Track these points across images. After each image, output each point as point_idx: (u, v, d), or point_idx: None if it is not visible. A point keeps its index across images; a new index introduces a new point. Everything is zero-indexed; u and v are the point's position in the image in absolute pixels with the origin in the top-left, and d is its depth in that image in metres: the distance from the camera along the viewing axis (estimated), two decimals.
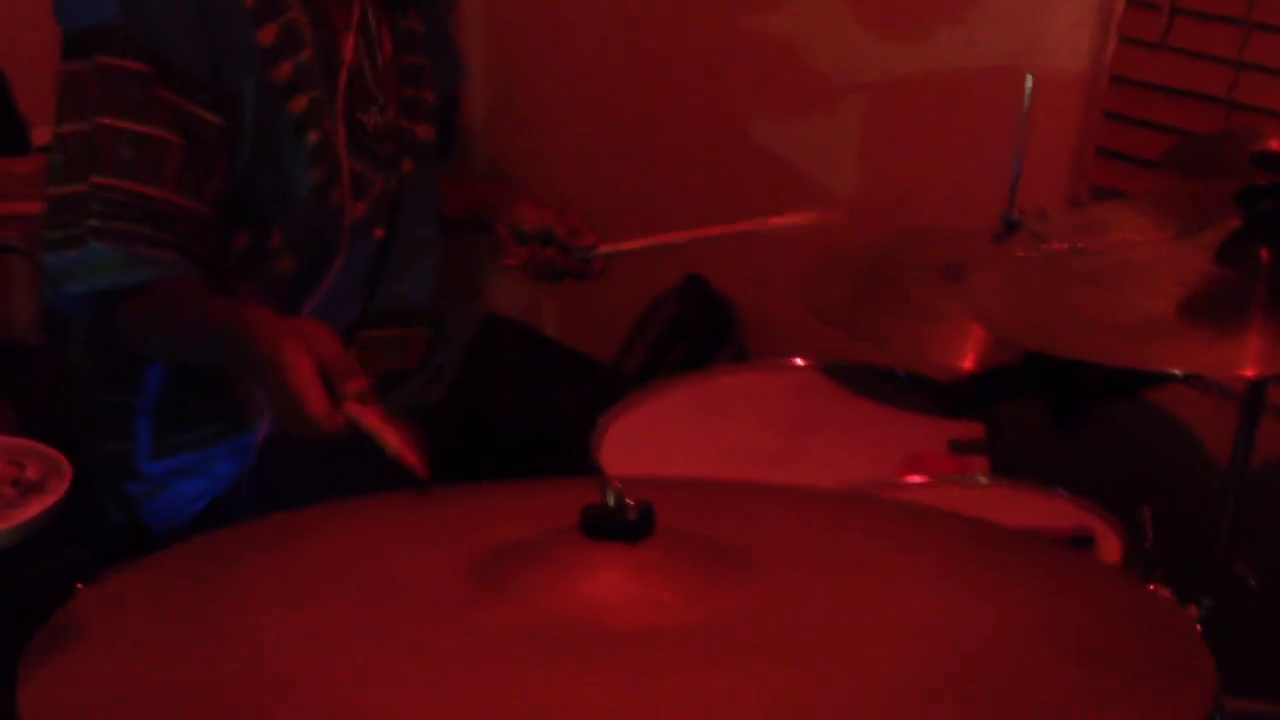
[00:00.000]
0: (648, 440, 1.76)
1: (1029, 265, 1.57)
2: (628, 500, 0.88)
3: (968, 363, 1.72)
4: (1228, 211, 1.49)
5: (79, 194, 1.65)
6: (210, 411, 1.80)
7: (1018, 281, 1.56)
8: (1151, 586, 1.26)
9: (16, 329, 2.13)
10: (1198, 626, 1.30)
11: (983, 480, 1.48)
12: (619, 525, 0.88)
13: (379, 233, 1.87)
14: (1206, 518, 1.59)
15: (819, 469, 1.66)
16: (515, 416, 1.99)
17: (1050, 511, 1.39)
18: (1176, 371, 1.44)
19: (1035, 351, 1.63)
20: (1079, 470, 1.63)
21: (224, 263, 1.75)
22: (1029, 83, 1.79)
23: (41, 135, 2.26)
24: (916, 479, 1.51)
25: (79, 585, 1.56)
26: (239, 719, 0.77)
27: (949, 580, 0.91)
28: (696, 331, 2.71)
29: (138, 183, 1.64)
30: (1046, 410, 1.65)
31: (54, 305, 1.73)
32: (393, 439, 1.32)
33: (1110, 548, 1.32)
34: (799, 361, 1.92)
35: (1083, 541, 1.31)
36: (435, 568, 0.91)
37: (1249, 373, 1.38)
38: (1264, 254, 1.45)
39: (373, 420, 1.37)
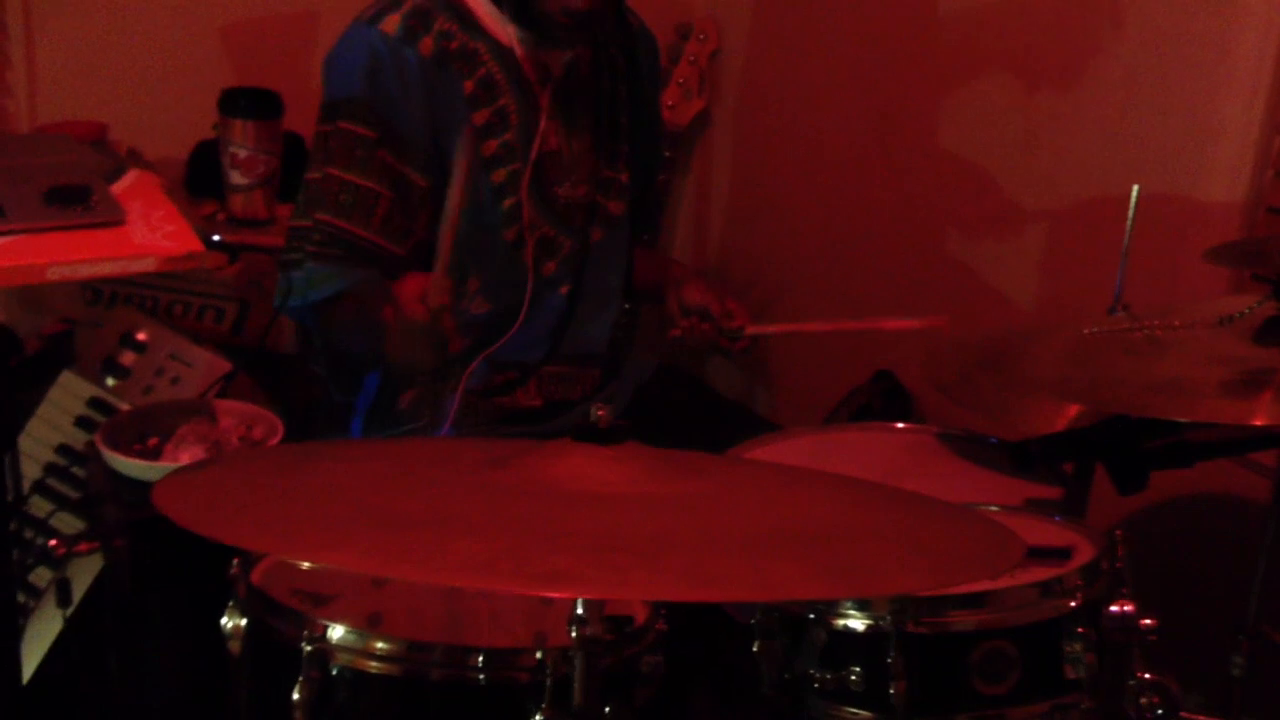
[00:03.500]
0: None
1: (1087, 342, 1.79)
2: (603, 414, 1.18)
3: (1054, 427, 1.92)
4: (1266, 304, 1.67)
5: (305, 228, 2.06)
6: (410, 413, 2.17)
7: (1073, 355, 1.78)
8: (1118, 604, 1.45)
9: (283, 343, 2.57)
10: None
11: (994, 509, 1.68)
12: (595, 431, 1.18)
13: (564, 289, 2.22)
14: (1241, 580, 1.74)
15: None
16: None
17: (1047, 532, 1.60)
18: (1182, 420, 1.61)
19: (1102, 421, 1.84)
20: (1131, 525, 1.80)
21: None
22: (1134, 194, 1.99)
23: None
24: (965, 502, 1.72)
25: None
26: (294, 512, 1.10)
27: (845, 509, 1.16)
28: (879, 417, 2.95)
29: (350, 223, 2.04)
30: (1109, 473, 1.84)
31: (285, 314, 2.14)
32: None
33: (1083, 556, 1.52)
34: (925, 426, 2.15)
35: (1063, 552, 1.52)
36: (466, 458, 1.22)
37: (1258, 421, 1.54)
38: None
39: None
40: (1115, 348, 1.76)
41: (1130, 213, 1.99)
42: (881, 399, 2.98)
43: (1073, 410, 1.93)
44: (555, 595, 1.21)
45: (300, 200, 2.11)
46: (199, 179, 2.62)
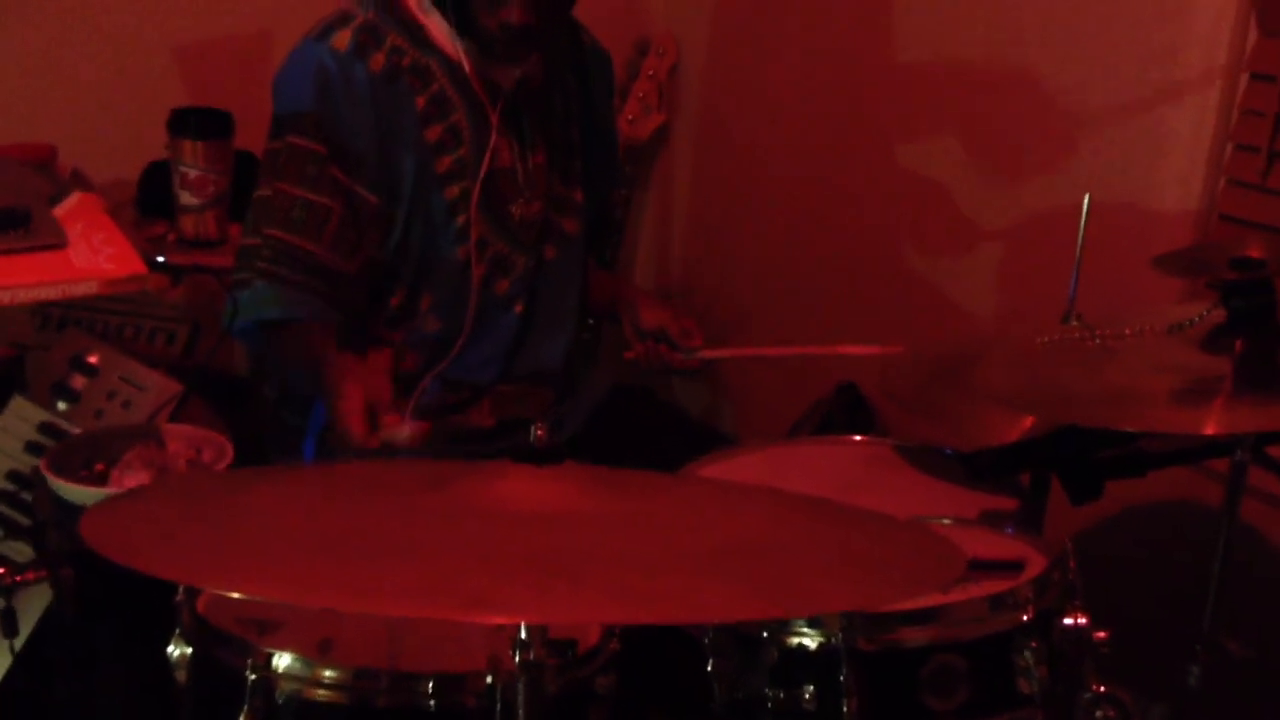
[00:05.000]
0: None
1: (1039, 352, 1.78)
2: (541, 434, 1.16)
3: (1009, 438, 1.92)
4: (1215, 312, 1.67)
5: (254, 245, 2.04)
6: None
7: (1030, 364, 1.77)
8: (1070, 615, 1.44)
9: (235, 365, 2.54)
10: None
11: (946, 521, 1.67)
12: (533, 451, 1.16)
13: (518, 308, 2.20)
14: (1195, 591, 1.73)
15: None
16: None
17: (999, 544, 1.59)
18: (1133, 430, 1.61)
19: (1054, 431, 1.84)
20: (1086, 536, 1.80)
21: (378, 314, 2.11)
22: (1086, 203, 1.99)
23: None
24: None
25: None
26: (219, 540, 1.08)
27: (786, 526, 1.15)
28: (841, 430, 2.94)
29: (301, 237, 2.02)
30: (1062, 482, 1.83)
31: (233, 335, 2.12)
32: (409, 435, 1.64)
33: (1035, 568, 1.51)
34: (880, 439, 2.15)
35: (1015, 565, 1.50)
36: (400, 481, 1.21)
37: (1209, 430, 1.54)
38: (1238, 344, 1.62)
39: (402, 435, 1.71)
40: (1067, 357, 1.76)
41: (1082, 222, 1.99)
42: (844, 412, 2.97)
43: (1027, 421, 1.93)
44: (486, 621, 1.19)
45: (249, 218, 2.09)
46: (150, 200, 2.60)
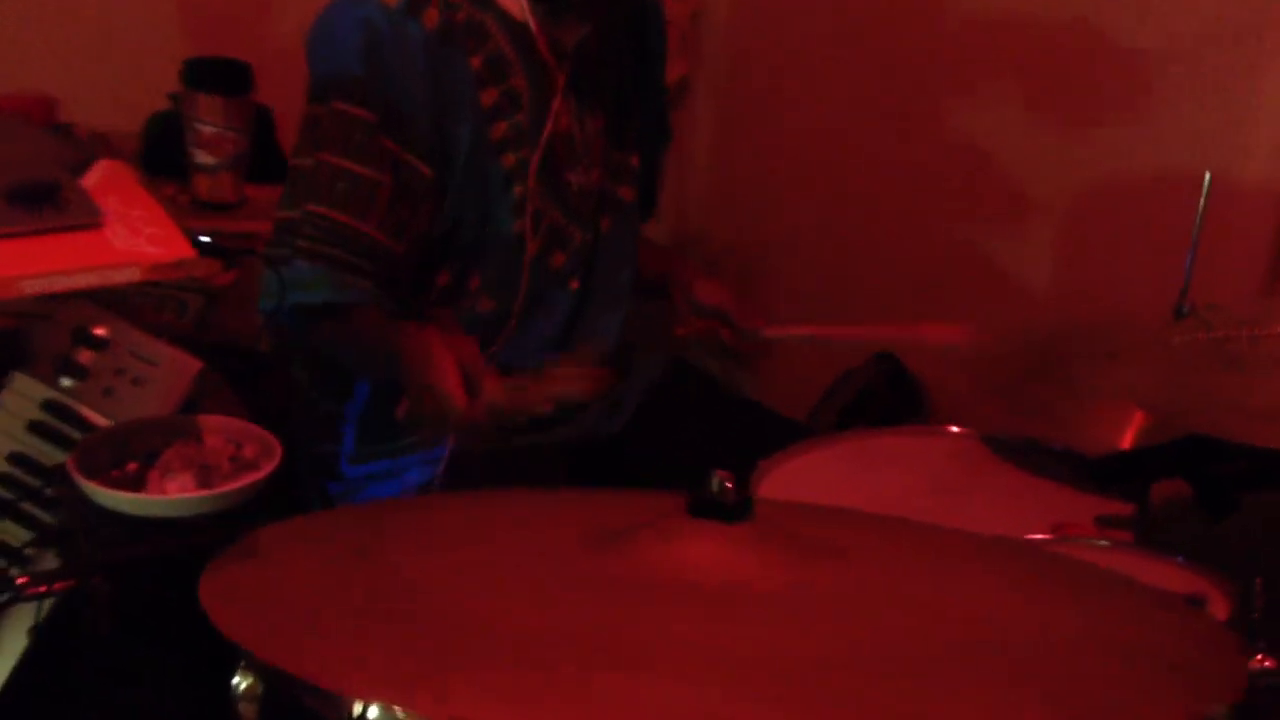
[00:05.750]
0: (802, 485, 1.85)
1: (1189, 351, 1.63)
2: (729, 486, 1.00)
3: (1124, 442, 1.78)
4: None
5: (293, 219, 1.85)
6: (409, 423, 1.97)
7: (1178, 366, 1.62)
8: (1258, 656, 1.30)
9: (255, 340, 2.35)
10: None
11: (1103, 544, 1.53)
12: (718, 506, 0.99)
13: (574, 284, 2.03)
14: None
15: (964, 526, 1.73)
16: (685, 454, 2.11)
17: (1167, 576, 1.44)
18: None
19: (1187, 436, 1.69)
20: (1223, 554, 1.66)
21: (424, 296, 1.93)
22: (1207, 180, 1.84)
23: None
24: (1041, 536, 1.57)
25: None
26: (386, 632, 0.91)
27: (1007, 591, 0.99)
28: (886, 404, 2.80)
29: (346, 214, 1.82)
30: (1196, 494, 1.70)
31: (266, 316, 1.93)
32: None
33: (1219, 610, 1.36)
34: (954, 429, 2.00)
35: (1195, 601, 1.36)
36: (557, 534, 1.04)
37: None
38: None
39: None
40: (1208, 359, 1.61)
41: (1202, 202, 1.84)
42: (885, 385, 2.82)
43: (1135, 422, 1.79)
44: None
45: (288, 190, 1.89)
46: (157, 157, 2.39)
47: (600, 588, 0.94)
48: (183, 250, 1.55)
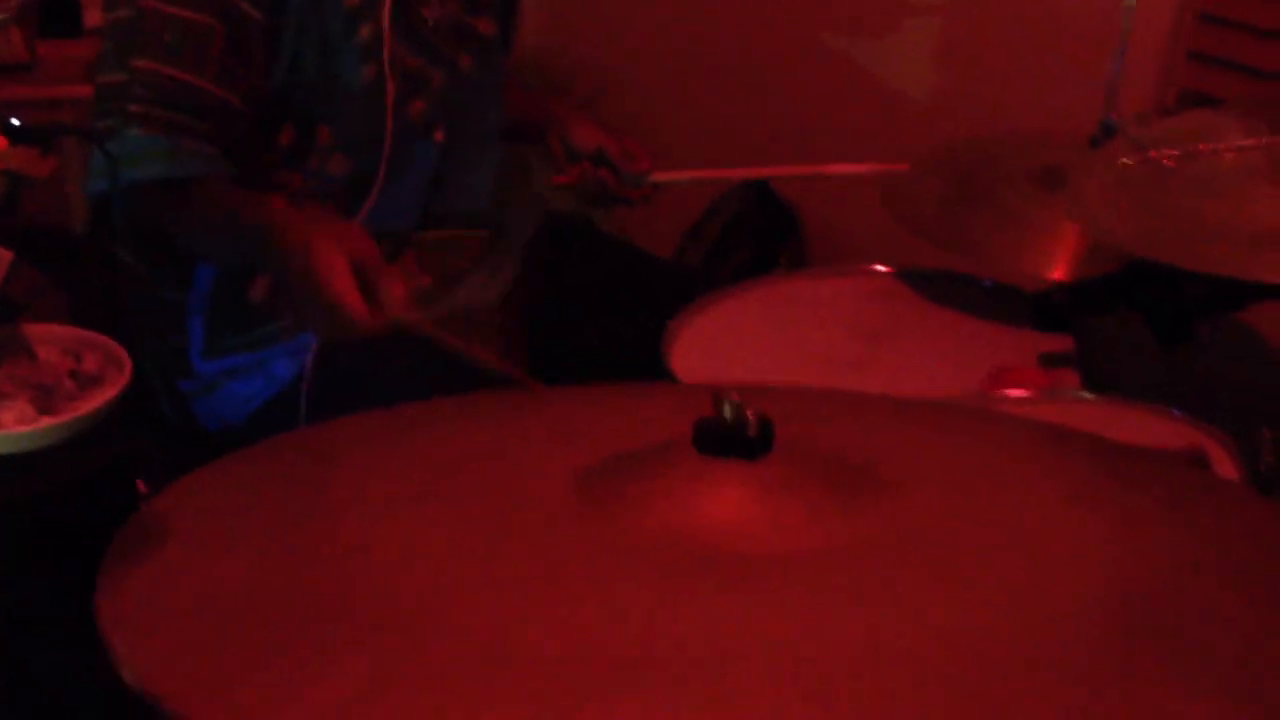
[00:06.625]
0: (722, 345, 1.69)
1: (1134, 171, 1.49)
2: (747, 413, 0.81)
3: (1059, 273, 1.64)
4: None
5: (120, 83, 1.59)
6: (266, 308, 1.72)
7: (1124, 188, 1.48)
8: None
9: (72, 217, 2.06)
10: None
11: (1086, 396, 1.40)
12: (738, 440, 0.81)
13: (439, 135, 1.80)
14: None
15: (904, 377, 1.59)
16: (580, 318, 1.92)
17: (1159, 430, 1.32)
18: None
19: (1133, 263, 1.56)
20: (1177, 390, 1.55)
21: (265, 158, 1.68)
22: None
23: (93, 17, 2.18)
24: (1015, 393, 1.44)
25: (139, 483, 1.52)
26: (334, 634, 0.71)
27: (1085, 502, 0.84)
28: (757, 235, 2.63)
29: (180, 69, 1.57)
30: (1146, 325, 1.58)
31: (95, 197, 1.67)
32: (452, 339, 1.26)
33: (1225, 469, 1.24)
34: (879, 268, 1.85)
35: (1196, 462, 1.23)
36: (539, 478, 0.84)
37: None
38: None
39: (423, 324, 1.31)
40: (1156, 181, 1.47)
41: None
42: (757, 212, 2.65)
43: (1071, 251, 1.65)
44: None
45: (107, 49, 1.61)
46: None
47: (608, 564, 0.75)
48: None
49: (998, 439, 0.96)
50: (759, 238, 2.64)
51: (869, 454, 0.87)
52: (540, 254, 1.98)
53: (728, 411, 0.82)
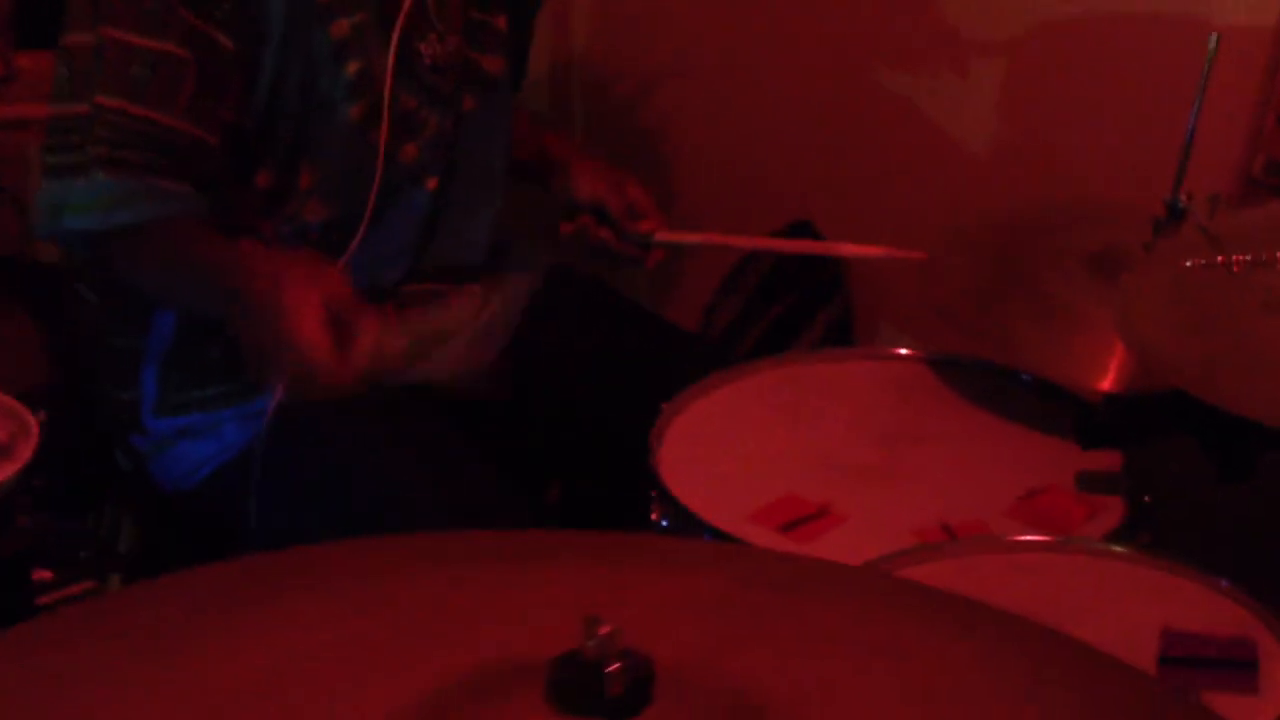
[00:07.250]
0: (719, 437, 1.51)
1: (1196, 277, 1.29)
2: (616, 658, 0.62)
3: (1107, 383, 1.43)
4: None
5: (80, 116, 1.45)
6: (224, 368, 1.57)
7: (1181, 297, 1.28)
8: None
9: (41, 245, 1.92)
10: None
11: (1119, 550, 1.19)
12: (600, 699, 0.62)
13: (431, 183, 1.63)
14: None
15: (917, 494, 1.41)
16: (573, 390, 1.74)
17: (1206, 608, 1.10)
18: None
19: None
20: (1232, 532, 1.35)
21: (241, 200, 1.53)
22: (1213, 42, 1.48)
23: None
24: (1038, 538, 1.24)
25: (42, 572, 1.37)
26: None
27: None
28: (797, 288, 2.42)
29: (147, 106, 1.45)
30: (1202, 454, 1.37)
31: (46, 238, 1.53)
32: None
33: (1276, 673, 1.03)
34: (904, 351, 1.66)
35: (1242, 664, 1.02)
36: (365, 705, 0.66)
37: None
38: None
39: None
40: (1220, 291, 1.27)
41: (1206, 66, 1.48)
42: (800, 263, 2.44)
43: (1123, 357, 1.44)
44: None
45: (63, 76, 1.49)
46: None
47: None
48: None
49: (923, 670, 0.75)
50: (799, 292, 2.44)
51: (770, 693, 0.67)
52: (542, 314, 1.80)
53: (593, 649, 0.63)
